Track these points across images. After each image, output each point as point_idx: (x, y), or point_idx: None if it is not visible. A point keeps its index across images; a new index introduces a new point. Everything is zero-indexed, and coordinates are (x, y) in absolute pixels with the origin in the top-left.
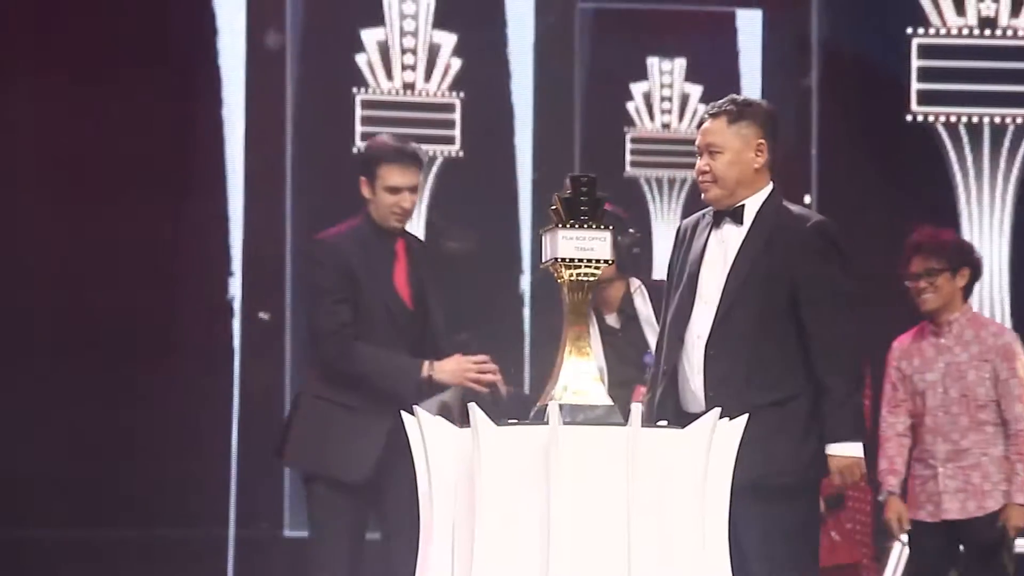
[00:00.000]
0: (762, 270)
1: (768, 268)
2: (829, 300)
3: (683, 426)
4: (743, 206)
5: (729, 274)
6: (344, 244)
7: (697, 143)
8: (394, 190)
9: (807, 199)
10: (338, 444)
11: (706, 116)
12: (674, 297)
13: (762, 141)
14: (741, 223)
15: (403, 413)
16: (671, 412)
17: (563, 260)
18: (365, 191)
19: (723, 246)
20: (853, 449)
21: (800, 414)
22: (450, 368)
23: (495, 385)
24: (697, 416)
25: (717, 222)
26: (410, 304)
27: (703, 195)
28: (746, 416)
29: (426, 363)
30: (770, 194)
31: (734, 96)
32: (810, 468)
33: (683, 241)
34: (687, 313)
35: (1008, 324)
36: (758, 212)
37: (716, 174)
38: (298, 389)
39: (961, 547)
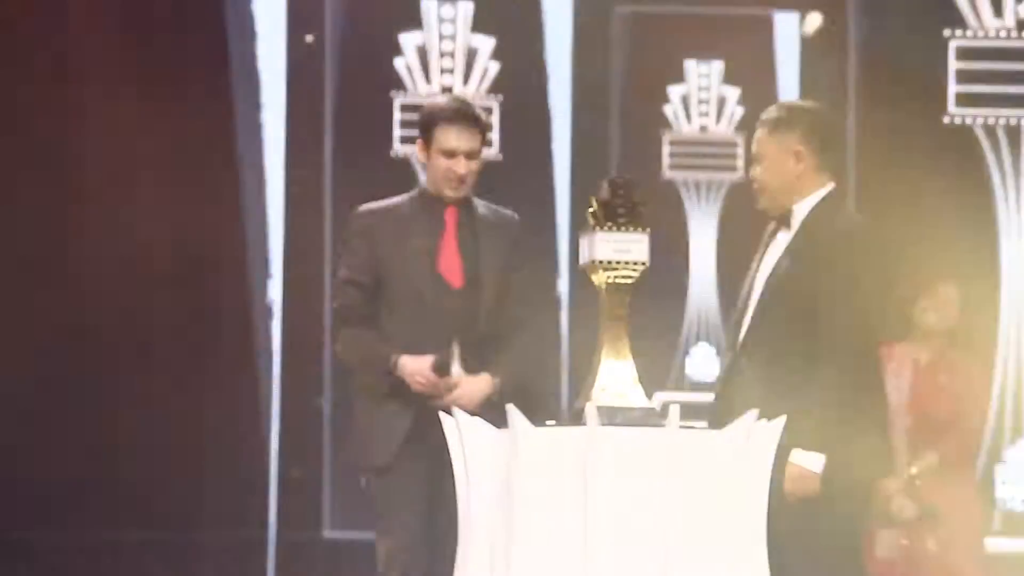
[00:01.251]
0: (792, 277)
1: (798, 275)
2: (839, 307)
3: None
4: (791, 212)
5: (766, 283)
6: (377, 220)
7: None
8: (449, 153)
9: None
10: (361, 431)
11: (757, 125)
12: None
13: (800, 148)
14: (790, 229)
15: (441, 414)
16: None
17: (600, 262)
18: (421, 155)
19: (773, 254)
20: (812, 462)
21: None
22: (408, 370)
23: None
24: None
25: (775, 230)
26: (459, 282)
27: (757, 204)
28: (784, 417)
29: (393, 356)
30: (823, 200)
31: (782, 102)
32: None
33: (762, 244)
34: (740, 321)
35: None
36: (807, 216)
37: (759, 182)
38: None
39: None
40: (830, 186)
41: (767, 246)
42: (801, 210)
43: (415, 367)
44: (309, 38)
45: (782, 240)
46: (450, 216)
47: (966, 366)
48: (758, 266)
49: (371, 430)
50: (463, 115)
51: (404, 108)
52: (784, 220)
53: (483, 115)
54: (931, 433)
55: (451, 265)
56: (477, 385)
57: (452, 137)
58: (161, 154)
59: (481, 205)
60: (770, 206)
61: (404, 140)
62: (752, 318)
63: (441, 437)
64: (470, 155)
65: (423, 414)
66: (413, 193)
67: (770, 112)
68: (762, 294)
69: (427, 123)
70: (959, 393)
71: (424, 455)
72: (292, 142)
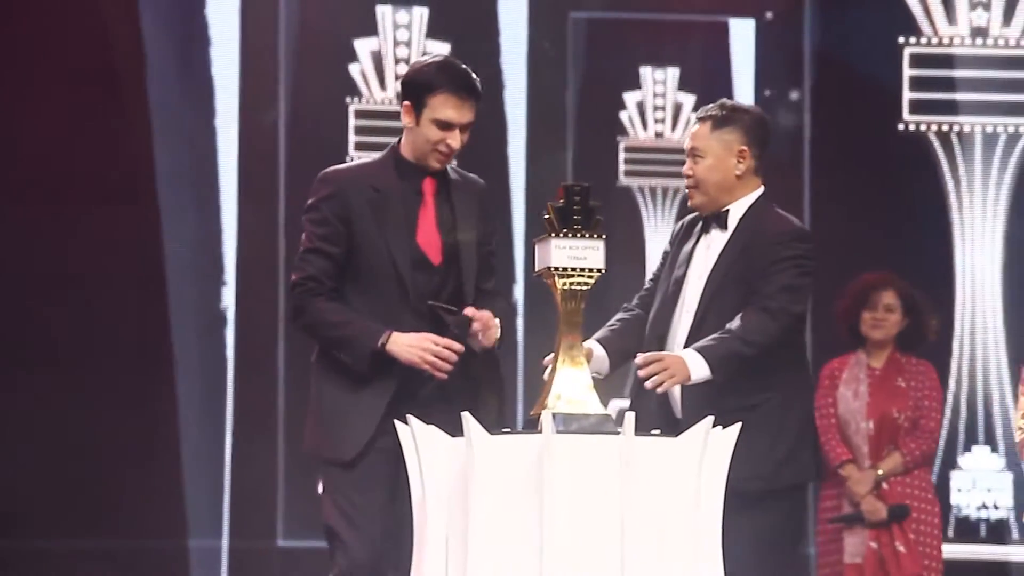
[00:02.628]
0: (734, 276)
1: (740, 274)
2: (773, 297)
3: (664, 430)
4: (728, 211)
5: (707, 281)
6: (350, 186)
7: (685, 146)
8: (446, 125)
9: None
10: (328, 420)
11: (695, 120)
12: (658, 296)
13: (744, 148)
14: (726, 228)
15: (396, 421)
16: (653, 414)
17: (556, 269)
18: (406, 119)
19: (708, 252)
20: (699, 368)
21: (771, 417)
22: (406, 342)
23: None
24: (675, 420)
25: (706, 227)
26: (437, 258)
27: (689, 201)
28: (739, 425)
29: (386, 333)
30: (756, 199)
31: (724, 101)
32: (783, 470)
33: (676, 238)
34: (668, 318)
35: (1001, 333)
36: (742, 218)
37: (697, 178)
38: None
39: None
40: (761, 188)
41: (694, 243)
42: (737, 210)
43: (415, 341)
44: (263, 43)
45: (717, 239)
46: (428, 187)
47: (920, 369)
48: (687, 263)
49: (341, 419)
50: (466, 86)
51: (359, 114)
52: (720, 220)
53: (479, 84)
54: (892, 435)
55: (431, 240)
56: (491, 318)
57: (452, 109)
58: (113, 160)
59: (452, 171)
60: (705, 204)
61: (359, 146)
62: (696, 316)
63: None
64: (465, 128)
65: (396, 403)
66: (385, 157)
67: (711, 109)
68: (703, 293)
69: (422, 88)
70: (915, 395)
71: (389, 450)
72: (245, 147)
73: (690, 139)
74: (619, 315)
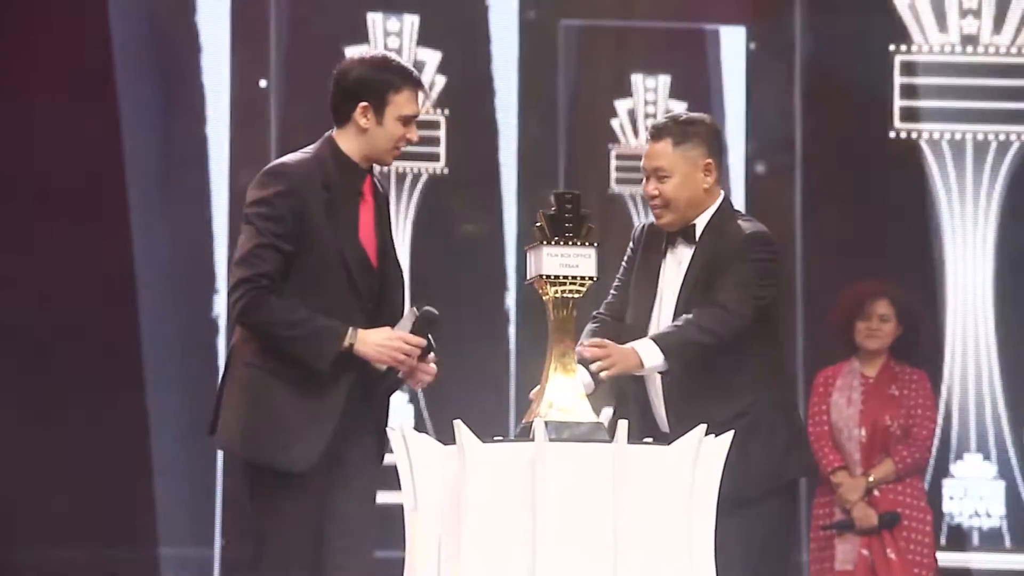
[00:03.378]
0: (702, 287)
1: (707, 285)
2: (729, 292)
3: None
4: (694, 225)
5: (678, 297)
6: (303, 182)
7: (643, 165)
8: (408, 120)
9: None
10: (278, 426)
11: (649, 137)
12: (630, 311)
13: (710, 160)
14: (693, 242)
15: (387, 430)
16: (636, 426)
17: (548, 277)
18: (363, 120)
19: (678, 267)
20: (653, 357)
21: (759, 425)
22: (374, 340)
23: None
24: (661, 434)
25: (671, 240)
26: (374, 261)
27: (656, 220)
28: (731, 433)
29: (350, 330)
30: (718, 208)
31: (675, 114)
32: (781, 468)
33: (638, 245)
34: (646, 329)
35: (993, 341)
36: (705, 228)
37: (666, 198)
38: (228, 350)
39: None
40: (722, 195)
41: (662, 256)
42: (702, 222)
43: (383, 338)
44: (253, 50)
45: (685, 254)
46: (368, 186)
47: (914, 378)
48: (656, 277)
49: (295, 427)
50: (419, 80)
51: None
52: (687, 234)
53: None
54: (884, 443)
55: (369, 241)
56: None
57: (414, 103)
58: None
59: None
60: (675, 221)
61: None
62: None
63: (352, 441)
64: (417, 120)
65: (351, 411)
66: (323, 153)
67: (668, 127)
68: (676, 309)
69: (383, 87)
70: (908, 403)
71: (331, 463)
72: (236, 157)
73: (649, 158)
74: (591, 325)
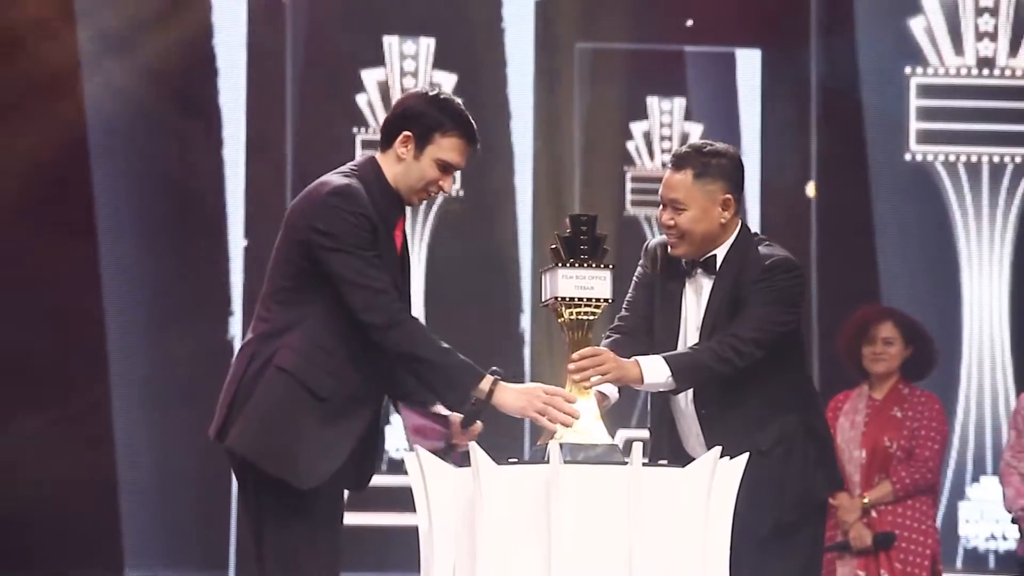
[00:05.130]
0: (723, 320)
1: (731, 311)
2: (747, 323)
3: (682, 466)
4: (714, 256)
5: (702, 327)
6: (369, 204)
7: (661, 193)
8: (446, 168)
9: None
10: (299, 439)
11: (670, 165)
12: (655, 336)
13: (728, 196)
14: (714, 273)
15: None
16: (664, 450)
17: (563, 299)
18: (402, 149)
19: (698, 297)
20: (657, 374)
21: (793, 451)
22: (518, 393)
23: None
24: (687, 457)
25: (691, 270)
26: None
27: (670, 250)
28: (746, 455)
29: (489, 378)
30: (736, 238)
31: (699, 144)
32: (805, 501)
33: (655, 266)
34: None
35: (1009, 363)
36: (725, 259)
37: (681, 229)
38: (251, 349)
39: None
40: (740, 224)
41: (682, 284)
42: (722, 252)
43: (527, 390)
44: (270, 73)
45: (705, 284)
46: (401, 223)
47: (921, 400)
48: (678, 308)
49: (315, 444)
50: (474, 134)
51: (366, 144)
52: (708, 265)
53: None
54: (884, 464)
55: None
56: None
57: (458, 153)
58: (123, 191)
59: None
60: (690, 253)
61: None
62: None
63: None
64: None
65: (365, 438)
66: (371, 179)
67: (690, 157)
68: (700, 337)
69: (432, 124)
70: (912, 426)
71: (334, 484)
72: (253, 178)
73: (669, 188)
74: (604, 343)
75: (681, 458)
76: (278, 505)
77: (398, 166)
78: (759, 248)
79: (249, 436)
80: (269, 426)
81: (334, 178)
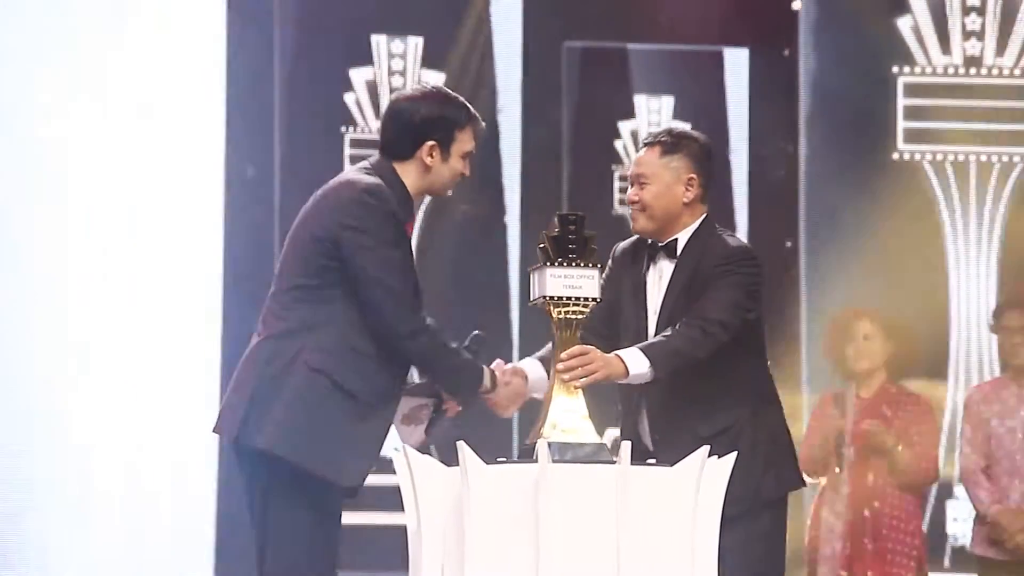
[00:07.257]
0: (682, 305)
1: (690, 296)
2: (708, 310)
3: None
4: (676, 240)
5: (660, 312)
6: (396, 206)
7: (629, 172)
8: (468, 155)
9: (797, 237)
10: (334, 438)
11: (642, 145)
12: (623, 328)
13: (693, 176)
14: (674, 258)
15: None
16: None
17: (552, 298)
18: (429, 158)
19: (659, 283)
20: (639, 365)
21: (739, 443)
22: (509, 390)
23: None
24: (645, 450)
25: (653, 255)
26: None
27: (632, 225)
28: (735, 454)
29: (487, 372)
30: (699, 226)
31: (671, 128)
32: (746, 499)
33: (617, 262)
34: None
35: (996, 363)
36: (686, 245)
37: (644, 203)
38: (269, 348)
39: None
40: (705, 214)
41: (644, 270)
42: (683, 238)
43: (514, 392)
44: (257, 74)
45: (666, 268)
46: (412, 221)
47: (911, 399)
48: (641, 293)
49: (350, 442)
50: (476, 115)
51: (354, 143)
52: (669, 249)
53: None
54: (871, 460)
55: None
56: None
57: (475, 139)
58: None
59: None
60: (648, 228)
61: None
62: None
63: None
64: None
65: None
66: (390, 183)
67: (660, 135)
68: (659, 321)
69: (451, 125)
70: (901, 424)
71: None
72: (239, 177)
73: (637, 165)
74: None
75: (639, 447)
76: (288, 504)
77: (428, 174)
78: (721, 237)
79: (289, 436)
80: (310, 427)
81: (361, 176)
